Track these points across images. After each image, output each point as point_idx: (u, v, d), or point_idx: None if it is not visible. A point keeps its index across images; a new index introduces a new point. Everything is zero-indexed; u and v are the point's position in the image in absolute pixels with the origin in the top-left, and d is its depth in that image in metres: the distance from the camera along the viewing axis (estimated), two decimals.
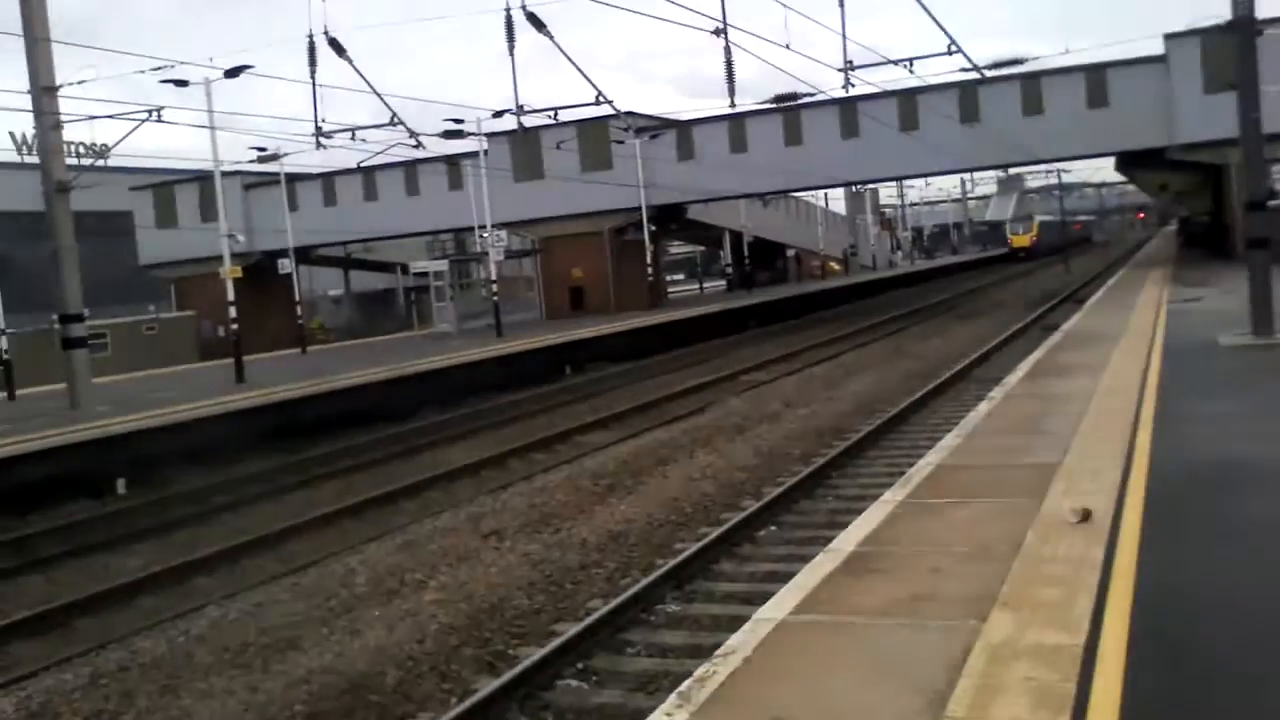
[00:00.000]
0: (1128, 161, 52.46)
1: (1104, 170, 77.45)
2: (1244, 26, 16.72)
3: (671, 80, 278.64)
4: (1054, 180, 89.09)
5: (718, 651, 5.72)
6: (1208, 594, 5.99)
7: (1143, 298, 28.49)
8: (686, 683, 5.29)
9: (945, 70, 35.76)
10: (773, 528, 12.47)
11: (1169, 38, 40.65)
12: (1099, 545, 6.84)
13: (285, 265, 41.46)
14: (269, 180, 47.63)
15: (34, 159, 50.44)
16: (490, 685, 8.23)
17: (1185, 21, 39.09)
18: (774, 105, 39.39)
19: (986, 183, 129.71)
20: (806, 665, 5.38)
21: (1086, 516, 7.42)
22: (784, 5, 24.94)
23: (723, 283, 68.74)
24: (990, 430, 11.59)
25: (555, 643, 8.98)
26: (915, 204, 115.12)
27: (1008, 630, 5.53)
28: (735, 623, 6.89)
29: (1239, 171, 17.68)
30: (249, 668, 9.18)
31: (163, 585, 12.45)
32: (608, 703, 7.99)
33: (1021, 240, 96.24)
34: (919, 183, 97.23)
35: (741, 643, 5.73)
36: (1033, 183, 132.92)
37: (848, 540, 7.59)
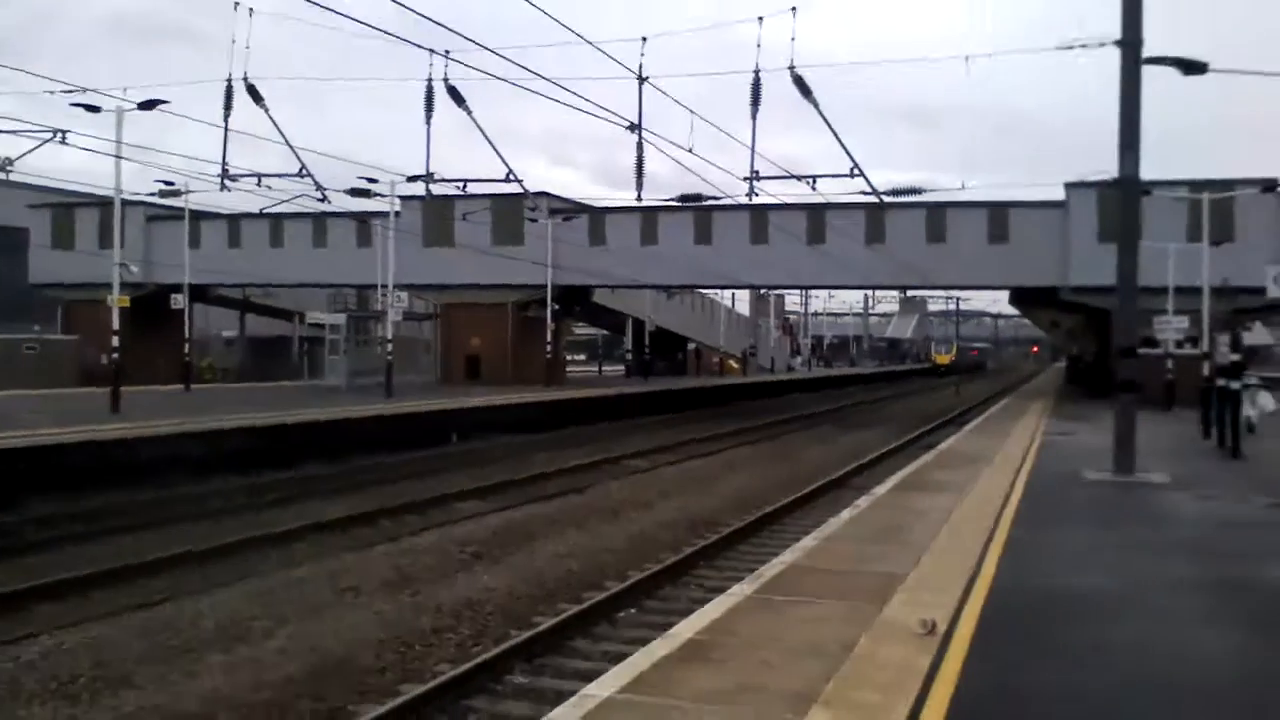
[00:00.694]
0: (1022, 297, 54.42)
1: (1001, 301, 79.95)
2: (1128, 186, 17.60)
3: (586, 166, 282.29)
4: (953, 305, 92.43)
5: None
6: (1014, 703, 6.26)
7: (1021, 426, 29.39)
8: None
9: (846, 191, 37.04)
10: (633, 610, 12.53)
11: (1069, 186, 42.70)
12: (928, 654, 7.07)
13: (178, 300, 40.84)
14: (173, 214, 47.08)
15: None
16: None
17: (1081, 174, 41.16)
18: (684, 204, 40.19)
19: (889, 301, 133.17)
20: None
21: (932, 629, 7.66)
22: (691, 111, 25.68)
23: (622, 367, 69.21)
24: (848, 536, 11.87)
25: (394, 702, 8.92)
26: (818, 314, 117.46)
27: None
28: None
29: (1120, 318, 18.45)
30: (76, 699, 8.96)
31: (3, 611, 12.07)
32: None
33: (944, 359, 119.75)
34: (824, 293, 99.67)
35: (563, 716, 5.81)
36: (933, 306, 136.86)
37: (688, 627, 7.73)
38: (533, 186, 41.22)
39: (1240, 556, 11.09)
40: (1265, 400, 26.19)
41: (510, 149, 74.89)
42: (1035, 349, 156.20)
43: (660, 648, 7.19)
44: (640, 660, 6.89)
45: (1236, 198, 36.89)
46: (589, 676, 9.79)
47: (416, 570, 14.16)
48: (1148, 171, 18.06)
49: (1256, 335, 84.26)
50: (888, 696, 6.20)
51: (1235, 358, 23.01)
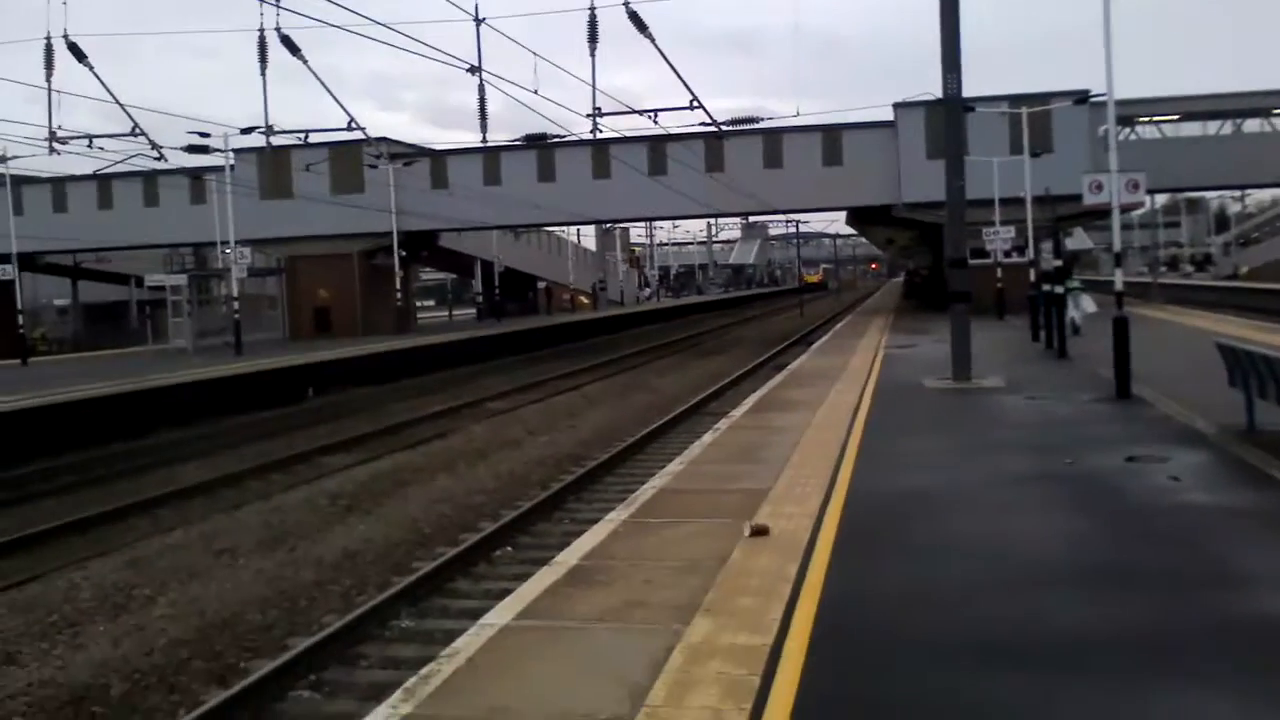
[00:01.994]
0: (858, 216, 55.96)
1: (839, 222, 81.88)
2: (952, 104, 18.43)
3: (416, 108, 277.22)
4: (793, 229, 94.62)
5: (443, 653, 6.15)
6: (877, 599, 6.89)
7: (864, 342, 30.55)
8: (412, 680, 5.72)
9: (687, 124, 37.54)
10: (509, 548, 12.91)
11: (898, 106, 44.06)
12: (795, 561, 7.64)
13: (7, 271, 39.23)
14: None
15: None
16: (220, 696, 8.35)
17: (908, 95, 42.51)
18: (527, 144, 40.25)
19: (731, 228, 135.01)
20: (524, 664, 5.87)
21: (760, 531, 8.31)
22: (534, 53, 25.74)
23: (473, 311, 68.97)
24: (711, 459, 12.44)
25: (287, 656, 9.15)
26: (664, 244, 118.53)
27: (706, 633, 6.20)
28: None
29: (949, 231, 19.36)
30: None
31: None
32: (339, 711, 8.23)
33: (813, 278, 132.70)
34: (668, 225, 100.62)
35: (465, 645, 6.19)
36: (774, 230, 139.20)
37: (571, 555, 8.17)
38: (369, 134, 40.62)
39: (1062, 448, 12.02)
40: (1086, 303, 27.82)
41: (337, 94, 72.87)
42: (875, 266, 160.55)
43: (548, 575, 7.60)
44: (530, 588, 7.30)
45: (1053, 110, 38.53)
46: (475, 614, 10.16)
47: (290, 527, 14.27)
48: (972, 89, 18.94)
49: (1078, 240, 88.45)
50: (762, 601, 6.73)
51: (1058, 263, 24.36)
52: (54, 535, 14.35)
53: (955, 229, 19.19)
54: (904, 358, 24.62)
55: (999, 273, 38.45)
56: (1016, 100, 38.84)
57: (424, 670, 5.86)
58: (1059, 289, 23.64)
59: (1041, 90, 40.27)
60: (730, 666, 5.65)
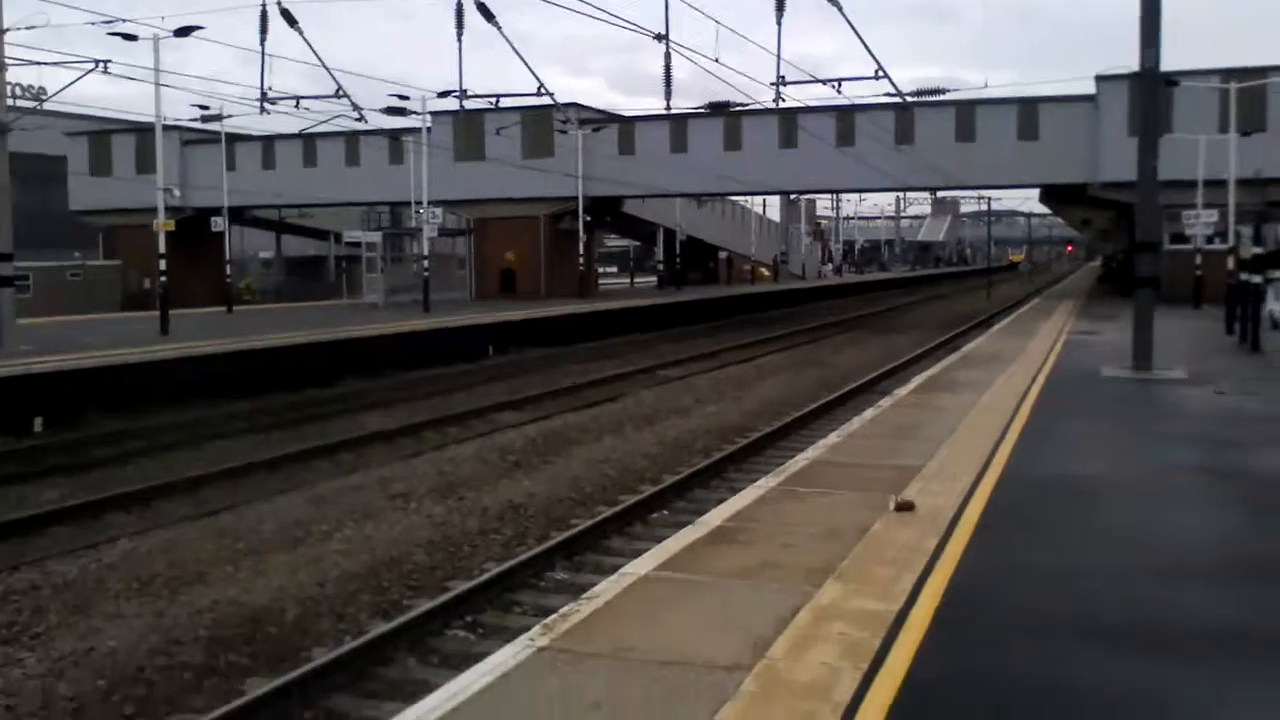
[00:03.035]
0: (1053, 195, 54.21)
1: (1033, 200, 79.54)
2: (1149, 81, 17.80)
3: (604, 74, 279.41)
4: (984, 206, 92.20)
5: (583, 595, 6.50)
6: (1010, 577, 6.91)
7: (1047, 327, 29.79)
8: (551, 616, 6.08)
9: (872, 93, 37.17)
10: (665, 512, 13.25)
11: (1100, 79, 42.11)
12: (935, 536, 7.71)
13: (218, 223, 41.55)
14: (208, 138, 47.62)
15: None
16: (383, 627, 8.92)
17: (1111, 66, 40.66)
18: (713, 111, 40.39)
19: (920, 203, 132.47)
20: (656, 610, 6.16)
21: (905, 506, 8.38)
22: (716, 21, 25.89)
23: (654, 278, 69.65)
24: (870, 434, 12.50)
25: (446, 596, 9.69)
26: (850, 218, 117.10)
27: (835, 596, 6.37)
28: None
29: (1139, 213, 18.75)
30: (156, 596, 9.78)
31: (77, 518, 12.92)
32: (488, 651, 8.68)
33: (1017, 258, 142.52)
34: (854, 197, 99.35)
35: (604, 589, 6.53)
36: (965, 207, 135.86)
37: (716, 516, 8.43)
38: (559, 100, 41.44)
39: (1239, 445, 11.63)
40: None
41: (528, 60, 74.12)
42: (1070, 249, 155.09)
43: (691, 533, 7.88)
44: (672, 544, 7.59)
45: (1269, 85, 36.51)
46: None
47: (461, 477, 14.92)
48: (1184, 60, 18.30)
49: None
50: (895, 572, 6.85)
51: (1258, 250, 23.25)
52: (247, 471, 15.36)
53: (1146, 211, 18.54)
54: (1086, 344, 23.97)
55: (1198, 259, 36.83)
56: (1230, 74, 36.85)
57: (563, 609, 6.21)
58: (1256, 279, 22.60)
59: (1258, 64, 38.12)
60: (853, 628, 5.82)
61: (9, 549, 11.65)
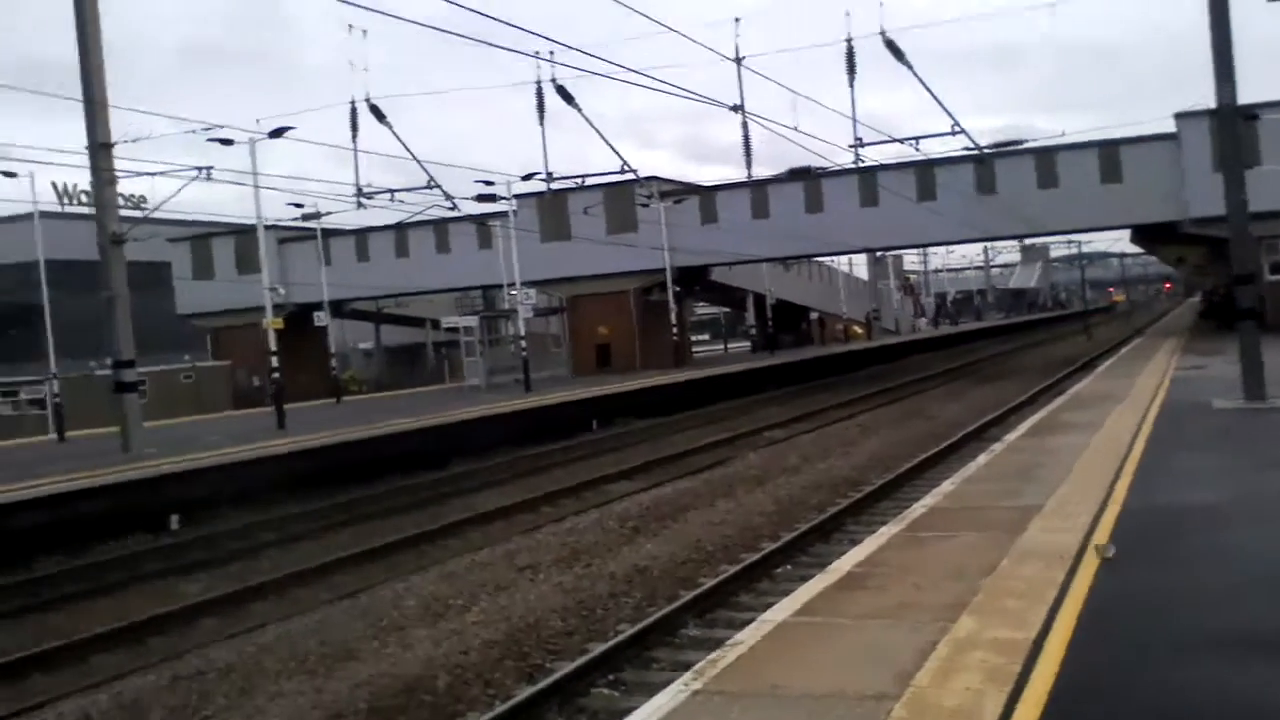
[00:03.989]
0: (1144, 234, 53.61)
1: (1124, 240, 78.62)
2: (1226, 115, 17.91)
3: (673, 144, 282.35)
4: (1074, 249, 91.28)
5: (727, 643, 6.85)
6: (1142, 603, 7.12)
7: (1152, 365, 29.53)
8: (700, 663, 6.44)
9: (948, 149, 37.48)
10: (788, 566, 13.50)
11: (1179, 116, 41.96)
12: (1061, 570, 7.93)
13: (321, 318, 42.93)
14: (303, 235, 49.32)
15: (74, 209, 52.36)
16: (530, 690, 9.32)
17: (1187, 104, 40.37)
18: (793, 176, 40.97)
19: (1009, 251, 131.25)
20: (800, 652, 6.50)
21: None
22: (792, 91, 26.53)
23: (747, 343, 69.96)
24: (985, 478, 12.69)
25: (586, 658, 10.06)
26: (939, 270, 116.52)
27: (971, 629, 6.65)
28: None
29: (1234, 246, 18.74)
30: (314, 673, 10.30)
31: (222, 609, 13.54)
32: (635, 705, 9.02)
33: (1119, 298, 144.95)
34: (942, 250, 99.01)
35: (747, 636, 6.90)
36: (1055, 251, 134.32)
37: (844, 563, 8.74)
38: (640, 173, 42.36)
39: None
40: None
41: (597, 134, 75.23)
42: (1169, 286, 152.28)
43: (822, 580, 8.21)
44: (805, 592, 7.92)
45: None
46: None
47: (584, 546, 15.33)
48: (1266, 92, 18.31)
49: None
50: (1027, 604, 7.10)
51: None
52: (378, 553, 15.94)
53: (1240, 245, 18.54)
54: (1194, 379, 23.77)
55: None
56: None
57: (711, 655, 6.57)
58: None
59: None
60: (993, 656, 6.10)
61: (167, 640, 12.27)
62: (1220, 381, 21.36)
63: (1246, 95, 18.78)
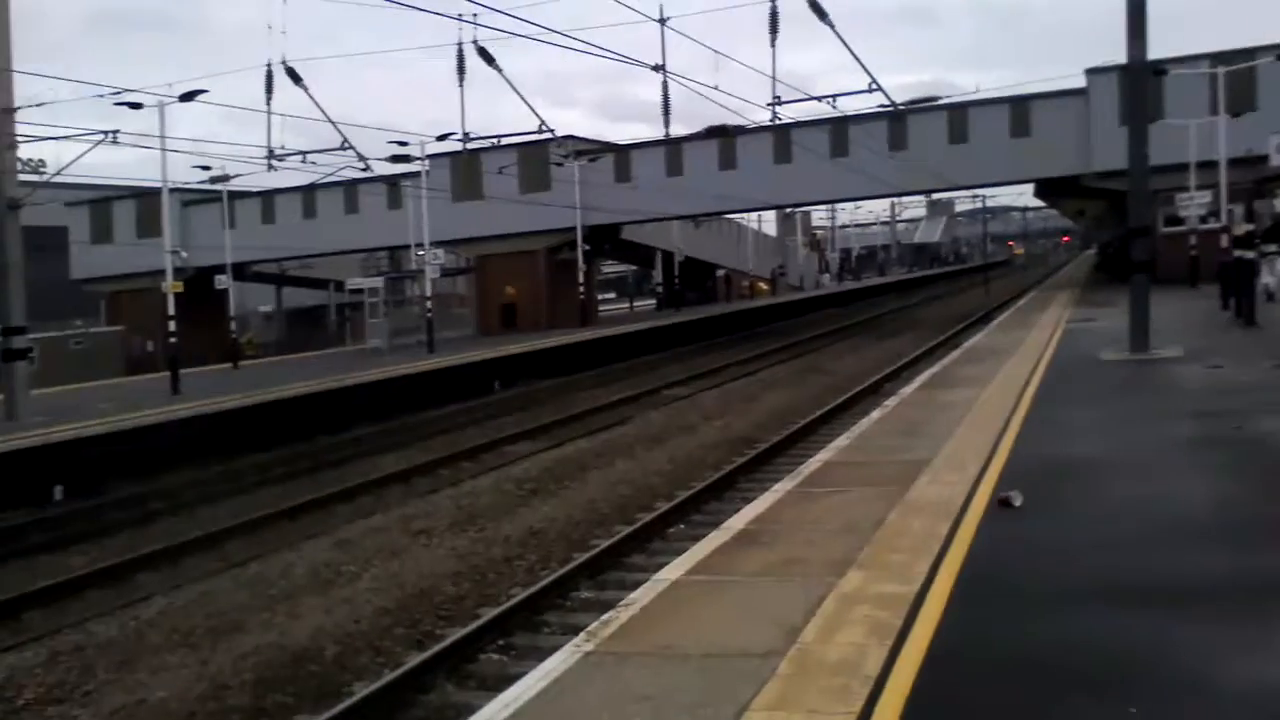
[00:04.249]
0: (1048, 188, 54.54)
1: (1027, 195, 79.98)
2: (1136, 69, 18.15)
3: (589, 103, 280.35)
4: (979, 204, 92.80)
5: (619, 604, 6.78)
6: (1022, 553, 7.28)
7: (1045, 318, 30.09)
8: (593, 624, 6.37)
9: (866, 106, 37.60)
10: (682, 525, 13.49)
11: (1090, 72, 42.52)
12: (946, 522, 7.99)
13: (222, 281, 41.82)
14: (209, 198, 48.07)
15: None
16: (419, 657, 9.16)
17: (1102, 59, 40.91)
18: (709, 134, 40.88)
19: (915, 206, 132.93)
20: (692, 610, 6.46)
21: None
22: (715, 51, 26.43)
23: (653, 301, 69.97)
24: (877, 433, 12.78)
25: (477, 623, 9.94)
26: (846, 226, 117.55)
27: (858, 583, 6.67)
28: None
29: (1131, 200, 19.06)
30: (198, 646, 10.03)
31: (106, 581, 13.12)
32: (525, 671, 8.91)
33: (1019, 251, 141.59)
34: (850, 206, 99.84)
35: (640, 596, 6.85)
36: (960, 206, 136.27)
37: (737, 521, 8.72)
38: (554, 133, 41.96)
39: (1234, 414, 11.93)
40: None
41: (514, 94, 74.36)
42: (1066, 239, 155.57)
43: (716, 539, 8.19)
44: (699, 550, 7.90)
45: (1259, 66, 36.82)
46: None
47: (480, 509, 15.18)
48: (1176, 47, 18.61)
49: None
50: (911, 558, 7.13)
51: (1249, 227, 23.58)
52: (269, 521, 15.61)
53: (1138, 198, 18.87)
54: (1085, 331, 24.23)
55: (1193, 240, 37.08)
56: (1219, 58, 37.10)
57: (604, 617, 6.51)
58: (1249, 254, 22.91)
59: (1247, 46, 38.42)
60: (877, 610, 6.12)
61: (47, 615, 11.88)
62: (1109, 334, 21.81)
63: (1156, 52, 19.05)
